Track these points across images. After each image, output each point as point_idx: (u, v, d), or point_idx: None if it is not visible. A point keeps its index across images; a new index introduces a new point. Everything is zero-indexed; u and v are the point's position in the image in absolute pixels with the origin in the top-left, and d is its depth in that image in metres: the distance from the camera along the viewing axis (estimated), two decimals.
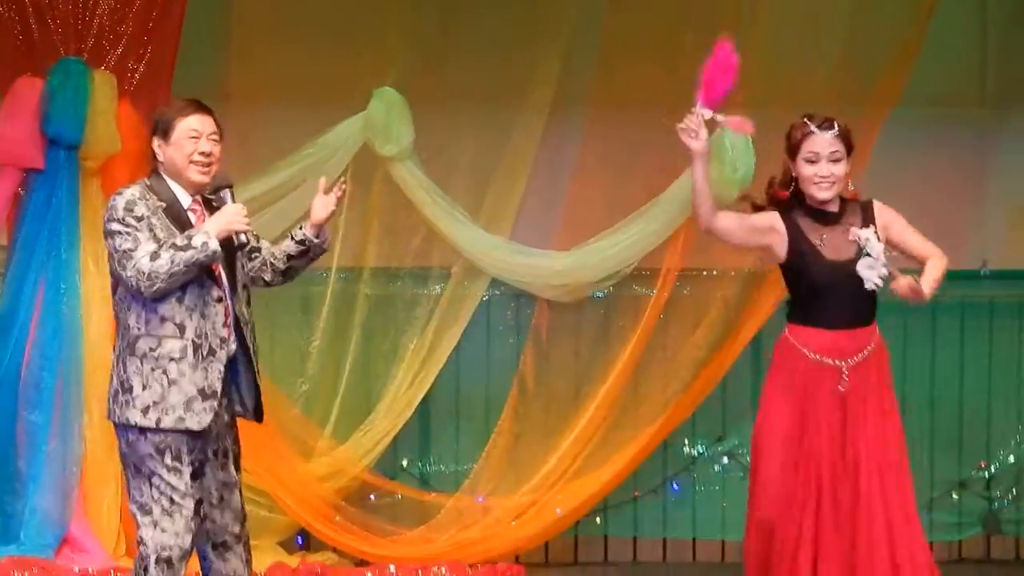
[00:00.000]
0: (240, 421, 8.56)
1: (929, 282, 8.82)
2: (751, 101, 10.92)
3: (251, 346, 8.44)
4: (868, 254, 8.64)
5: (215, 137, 8.37)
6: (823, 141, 8.81)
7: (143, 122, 10.87)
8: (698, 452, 11.98)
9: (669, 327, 11.80)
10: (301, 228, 8.54)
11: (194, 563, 8.62)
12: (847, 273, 8.64)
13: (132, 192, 8.28)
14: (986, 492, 12.04)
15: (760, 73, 11.25)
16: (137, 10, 11.22)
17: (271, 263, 8.61)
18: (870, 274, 8.63)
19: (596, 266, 11.72)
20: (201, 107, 8.42)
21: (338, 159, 11.47)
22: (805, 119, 8.92)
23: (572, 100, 11.63)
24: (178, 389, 8.20)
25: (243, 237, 8.23)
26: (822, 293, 8.66)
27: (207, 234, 8.09)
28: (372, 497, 11.66)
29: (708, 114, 8.67)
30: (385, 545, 11.47)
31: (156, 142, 8.40)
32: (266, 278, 8.64)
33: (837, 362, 8.65)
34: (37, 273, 11.25)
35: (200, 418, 8.18)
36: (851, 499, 8.64)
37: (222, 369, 8.27)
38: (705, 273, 11.82)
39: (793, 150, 8.88)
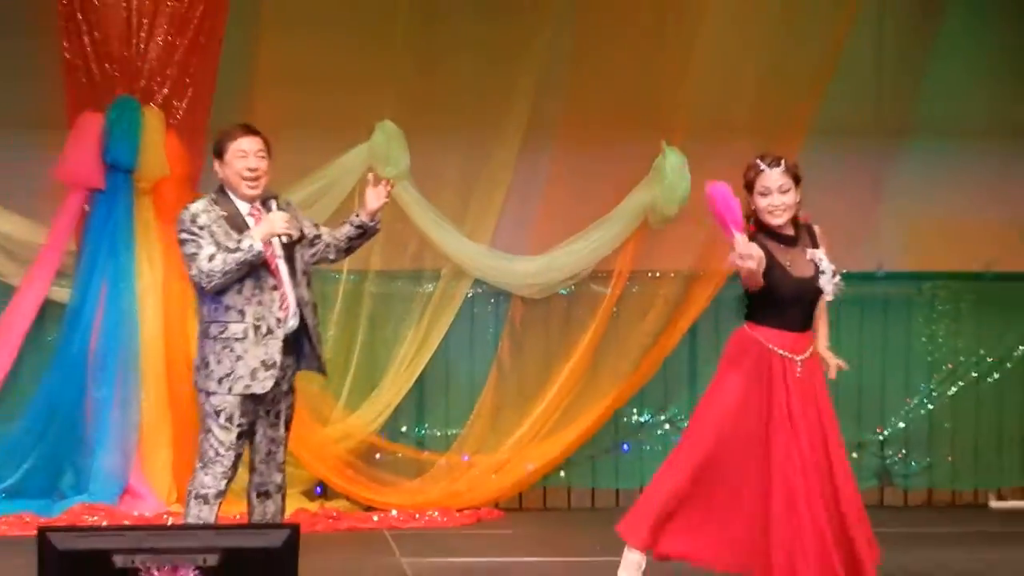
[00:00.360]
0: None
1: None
2: (689, 132, 11.26)
3: (308, 320, 8.53)
4: (823, 272, 8.65)
5: (262, 154, 8.43)
6: (772, 176, 8.73)
7: (186, 150, 11.22)
8: (644, 419, 12.01)
9: (621, 318, 11.87)
10: (358, 215, 8.64)
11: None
12: (809, 288, 8.62)
13: (196, 206, 8.42)
14: (880, 452, 12.11)
15: (695, 107, 11.56)
16: (180, 57, 11.27)
17: (334, 244, 8.70)
18: (830, 287, 8.66)
19: (561, 269, 11.80)
20: (249, 130, 8.52)
21: (348, 180, 11.51)
22: (757, 159, 8.82)
23: (540, 131, 11.64)
24: (244, 363, 8.35)
25: (284, 238, 8.33)
26: (788, 303, 8.62)
27: (252, 238, 8.23)
28: (378, 456, 11.72)
29: (743, 237, 8.69)
30: (388, 494, 11.54)
31: (215, 163, 8.50)
32: (330, 257, 8.76)
33: (794, 356, 8.64)
34: (100, 274, 11.29)
35: (264, 384, 8.35)
36: (800, 458, 8.57)
37: (280, 344, 8.38)
38: (650, 274, 11.87)
39: (749, 186, 8.78)
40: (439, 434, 11.91)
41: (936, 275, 12.19)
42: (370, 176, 8.79)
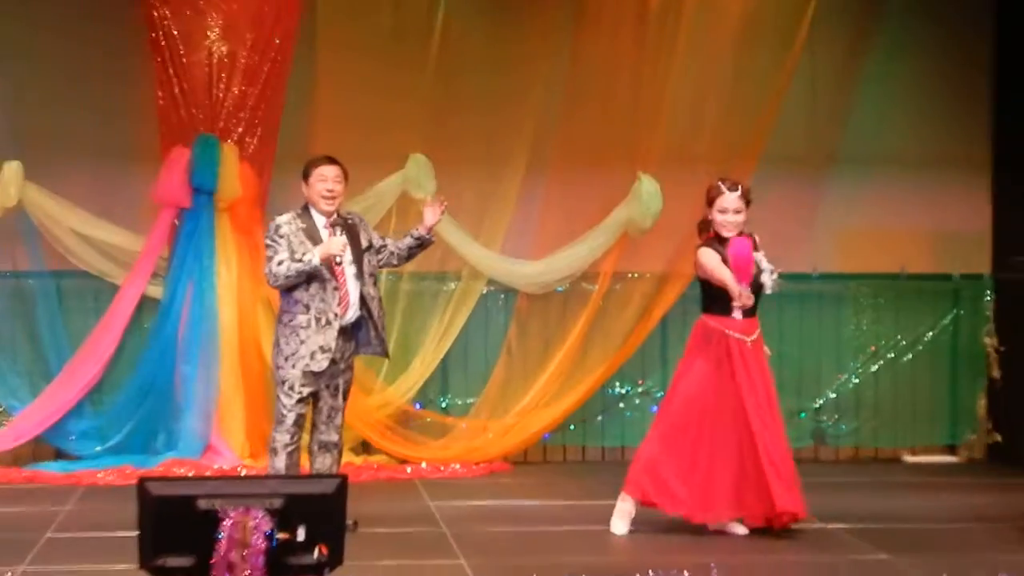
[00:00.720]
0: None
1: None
2: (660, 163, 11.36)
3: (374, 312, 8.89)
4: (763, 270, 9.00)
5: (338, 179, 8.84)
6: (730, 199, 9.06)
7: (255, 176, 11.35)
8: (625, 391, 12.05)
9: (606, 311, 11.92)
10: (418, 230, 9.01)
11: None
12: (752, 284, 8.96)
13: (282, 218, 8.86)
14: (816, 417, 12.15)
15: (665, 142, 11.67)
16: (251, 103, 11.35)
17: (397, 253, 9.11)
18: (770, 282, 9.03)
19: (558, 270, 11.86)
20: (331, 160, 8.93)
21: (387, 200, 11.62)
22: (720, 182, 9.13)
23: (538, 162, 11.70)
24: (305, 346, 8.72)
25: (338, 258, 8.69)
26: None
27: (314, 255, 8.64)
28: (410, 420, 11.77)
29: (747, 290, 8.94)
30: (419, 450, 11.61)
31: (303, 184, 8.88)
32: (394, 262, 9.18)
33: (745, 337, 8.95)
34: (187, 275, 11.38)
35: (320, 364, 8.72)
36: (744, 419, 8.91)
37: (336, 333, 8.72)
38: (630, 275, 11.92)
39: (710, 202, 9.10)
40: (459, 403, 11.95)
41: (861, 275, 12.20)
42: (428, 198, 9.08)
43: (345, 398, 9.03)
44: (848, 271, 12.21)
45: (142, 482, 7.39)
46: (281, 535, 7.19)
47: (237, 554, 7.23)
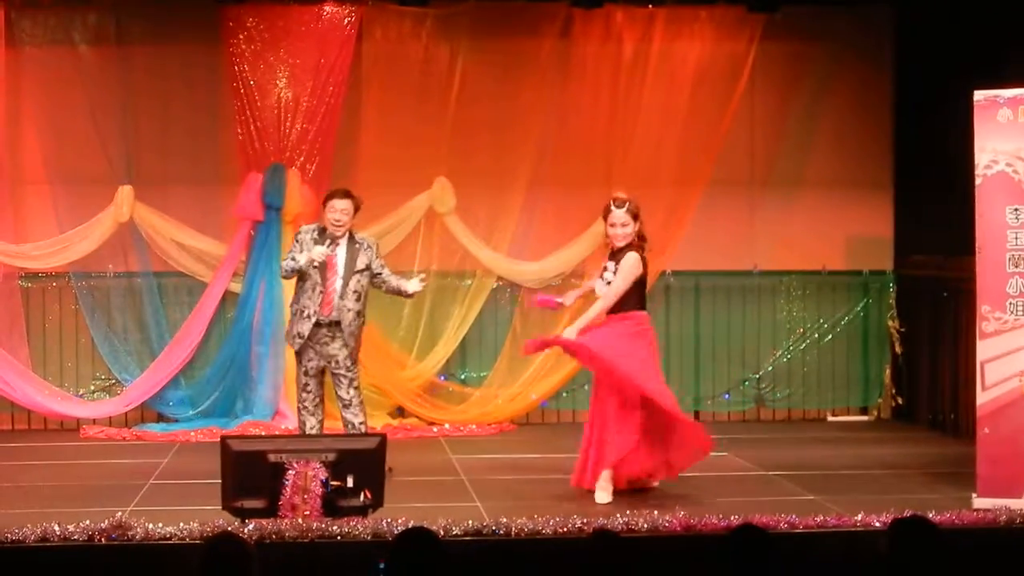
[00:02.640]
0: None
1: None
2: (633, 182, 10.94)
3: (344, 320, 8.87)
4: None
5: (346, 211, 8.87)
6: (617, 215, 8.66)
7: (314, 196, 11.14)
8: None
9: (590, 301, 11.24)
10: (405, 290, 9.05)
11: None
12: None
13: (304, 228, 9.10)
14: (757, 386, 12.02)
15: (636, 166, 11.51)
16: (311, 138, 11.24)
17: (386, 285, 9.06)
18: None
19: (551, 269, 11.73)
20: (344, 194, 8.96)
21: (416, 215, 11.54)
22: (611, 201, 8.70)
23: (538, 182, 11.60)
24: (293, 329, 8.99)
25: (316, 263, 8.77)
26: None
27: (301, 258, 8.80)
28: (436, 389, 11.66)
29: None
30: (443, 414, 11.48)
31: (322, 208, 8.95)
32: (382, 289, 9.11)
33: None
34: (261, 274, 11.30)
35: (296, 344, 8.98)
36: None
37: (311, 324, 8.83)
38: None
39: (605, 218, 8.73)
40: (475, 376, 11.81)
41: (791, 272, 12.07)
42: (423, 276, 9.17)
43: (348, 370, 8.95)
44: (781, 268, 12.07)
45: (224, 440, 7.41)
46: (334, 482, 7.23)
47: (299, 497, 7.22)
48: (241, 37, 11.24)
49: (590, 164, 11.55)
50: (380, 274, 9.03)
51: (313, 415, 9.07)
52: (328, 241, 8.88)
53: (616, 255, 8.76)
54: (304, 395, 9.05)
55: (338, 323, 8.89)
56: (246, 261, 11.37)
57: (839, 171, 12.08)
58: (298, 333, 8.90)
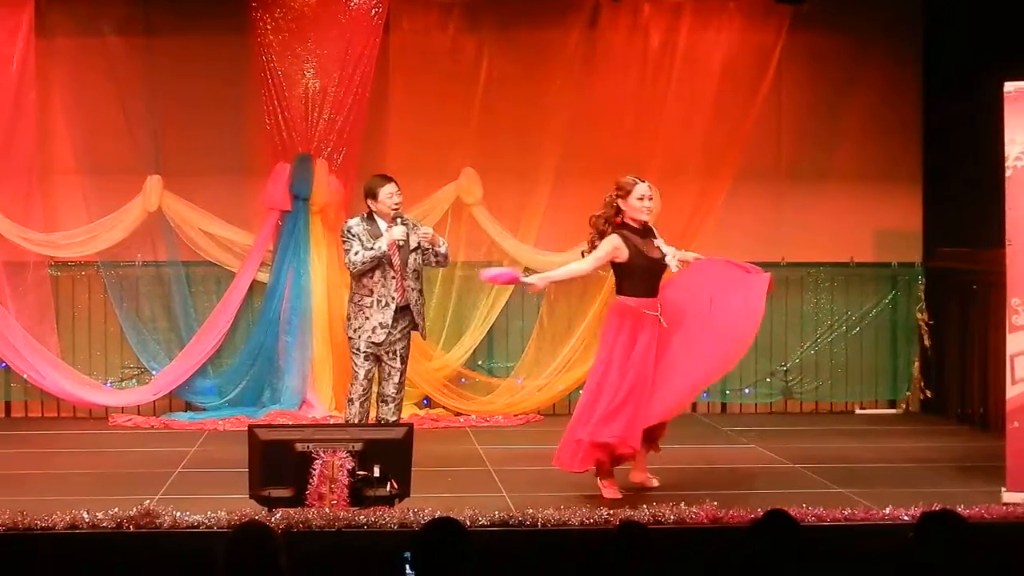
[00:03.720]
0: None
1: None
2: (658, 173, 11.01)
3: (413, 301, 8.88)
4: (665, 254, 8.41)
5: (400, 192, 8.92)
6: (643, 188, 8.50)
7: (342, 187, 11.24)
8: None
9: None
10: (435, 245, 9.02)
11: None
12: (659, 265, 8.43)
13: (352, 221, 8.97)
14: (784, 378, 11.95)
15: (662, 156, 11.49)
16: (338, 128, 11.25)
17: (428, 256, 9.04)
18: (673, 263, 8.39)
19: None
20: (390, 179, 8.97)
21: (442, 206, 11.54)
22: (630, 177, 8.57)
23: (563, 173, 11.56)
24: (369, 322, 8.74)
25: (400, 242, 8.73)
26: (644, 277, 8.40)
27: (381, 243, 8.66)
28: (463, 380, 11.66)
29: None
30: (469, 404, 11.49)
31: (369, 201, 8.90)
32: (431, 264, 9.08)
33: (655, 313, 8.34)
34: (288, 264, 11.32)
35: (379, 336, 8.78)
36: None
37: (392, 312, 8.74)
38: None
39: (626, 194, 8.49)
40: (502, 366, 11.80)
41: (819, 264, 12.02)
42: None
43: (403, 362, 8.99)
44: (809, 260, 12.02)
45: (251, 429, 7.43)
46: (361, 472, 7.23)
47: (326, 487, 7.22)
48: (269, 27, 11.26)
49: (617, 155, 11.43)
50: (428, 250, 9.05)
51: (362, 407, 9.00)
52: (389, 226, 8.88)
53: (652, 231, 8.56)
54: (366, 384, 8.96)
55: (405, 308, 8.91)
56: (274, 251, 11.37)
57: (867, 162, 12.01)
58: (380, 323, 8.81)
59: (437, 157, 11.47)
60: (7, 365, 11.32)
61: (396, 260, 8.85)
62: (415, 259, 8.99)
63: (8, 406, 11.52)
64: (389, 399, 9.02)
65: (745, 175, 11.70)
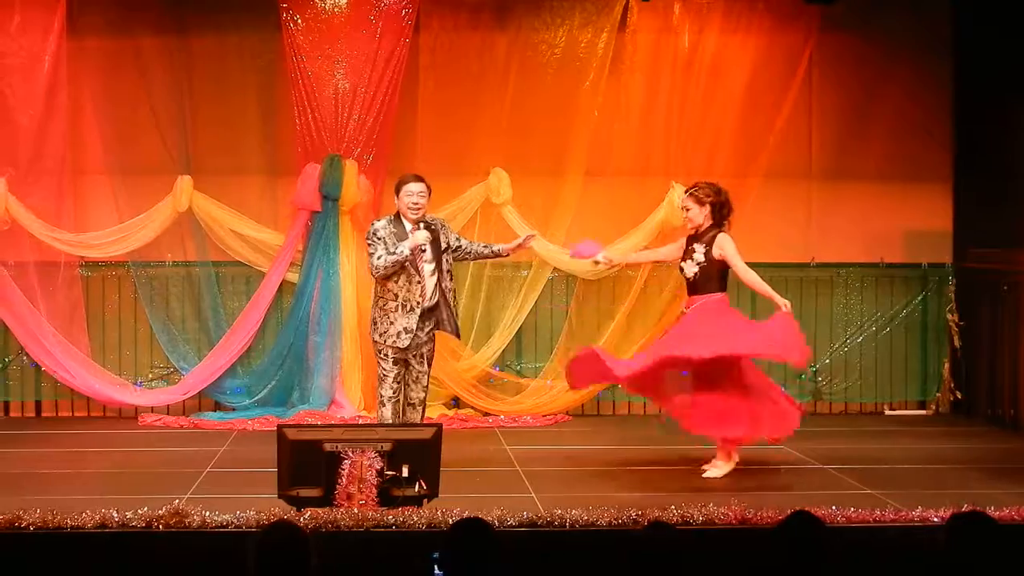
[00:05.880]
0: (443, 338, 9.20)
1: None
2: (688, 174, 11.03)
3: (449, 302, 8.87)
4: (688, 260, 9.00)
5: (423, 194, 8.80)
6: (682, 200, 9.09)
7: (371, 187, 11.25)
8: None
9: (646, 293, 11.71)
10: (501, 249, 9.17)
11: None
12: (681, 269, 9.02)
13: (378, 223, 8.89)
14: (814, 379, 11.91)
15: (693, 158, 11.48)
16: (368, 128, 11.24)
17: (473, 253, 9.13)
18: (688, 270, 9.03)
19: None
20: (418, 178, 8.93)
21: (472, 205, 11.53)
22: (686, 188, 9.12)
23: (593, 174, 11.54)
24: (394, 326, 8.70)
25: (423, 247, 8.68)
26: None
27: (404, 247, 8.60)
28: (491, 380, 11.65)
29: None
30: (498, 405, 11.49)
31: (395, 197, 8.90)
32: (468, 259, 9.19)
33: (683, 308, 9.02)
34: (318, 264, 11.33)
35: (404, 341, 8.72)
36: None
37: (417, 317, 8.70)
38: (664, 265, 11.21)
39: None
40: (531, 366, 11.78)
41: (849, 264, 12.00)
42: (526, 239, 9.24)
43: (429, 364, 9.00)
44: (839, 261, 12.00)
45: (280, 429, 7.42)
46: (389, 472, 7.24)
47: (355, 487, 7.22)
48: (299, 28, 11.28)
49: (646, 155, 11.51)
50: (461, 246, 9.07)
51: (394, 413, 8.98)
52: (412, 228, 8.86)
53: (700, 237, 8.93)
54: (396, 385, 8.93)
55: (432, 310, 8.88)
56: (303, 251, 11.39)
57: (897, 163, 11.99)
58: (404, 328, 8.77)
59: (466, 157, 11.50)
60: (38, 365, 11.39)
61: (421, 264, 8.84)
62: (447, 260, 8.97)
63: (39, 405, 11.59)
64: (417, 402, 9.04)
65: (775, 176, 11.70)
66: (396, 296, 8.82)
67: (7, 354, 11.49)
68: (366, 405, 11.11)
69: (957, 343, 11.91)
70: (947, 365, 11.98)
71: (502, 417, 11.34)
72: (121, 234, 11.41)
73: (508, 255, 9.37)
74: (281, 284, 11.47)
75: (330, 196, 11.25)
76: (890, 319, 12.02)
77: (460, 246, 9.07)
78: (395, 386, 8.91)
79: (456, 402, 11.60)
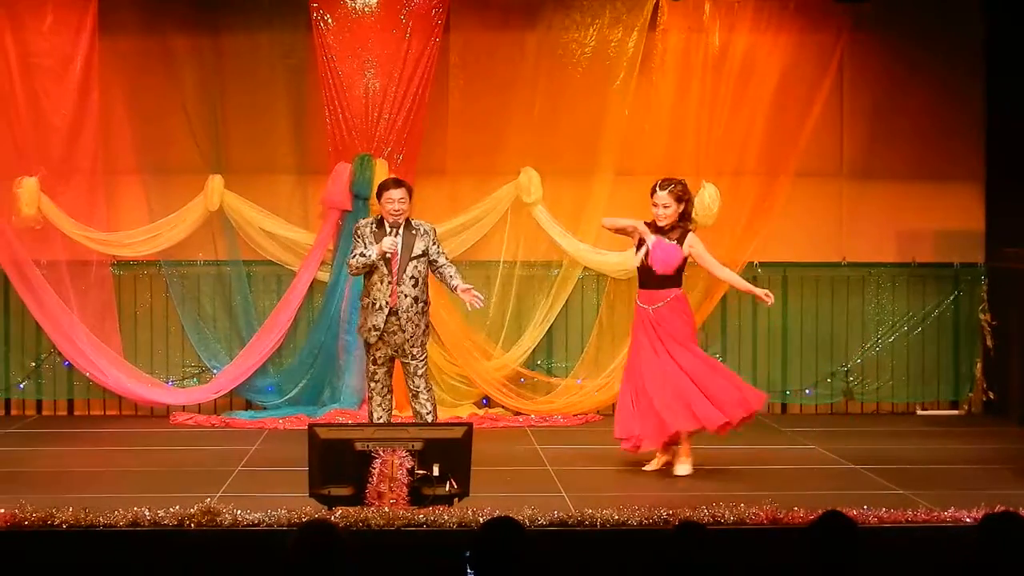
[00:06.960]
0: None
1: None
2: (718, 174, 11.13)
3: (403, 308, 8.86)
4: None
5: (403, 200, 8.87)
6: (659, 195, 9.15)
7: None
8: None
9: None
10: (457, 288, 8.95)
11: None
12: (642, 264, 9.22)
13: (362, 221, 9.20)
14: (845, 379, 11.88)
15: (723, 157, 11.48)
16: (398, 127, 11.24)
17: (440, 275, 9.04)
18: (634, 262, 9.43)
19: (637, 260, 11.53)
20: (396, 184, 9.01)
21: (504, 204, 11.54)
22: (656, 183, 9.23)
23: (623, 173, 11.49)
24: (365, 325, 8.96)
25: (388, 254, 8.80)
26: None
27: (372, 251, 8.80)
28: (522, 380, 11.62)
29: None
30: (529, 404, 11.47)
31: (377, 201, 9.04)
32: (438, 278, 9.07)
33: (647, 306, 9.22)
34: None
35: (371, 337, 8.93)
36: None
37: (385, 315, 8.83)
38: (696, 263, 11.52)
39: (651, 195, 9.24)
40: (561, 366, 11.76)
41: (880, 264, 11.95)
42: (477, 294, 9.00)
43: (413, 357, 8.97)
44: (870, 260, 11.96)
45: (312, 428, 7.47)
46: (420, 471, 7.25)
47: (386, 485, 7.25)
48: (330, 28, 11.29)
49: (676, 155, 11.46)
50: (437, 262, 9.03)
51: (380, 406, 9.09)
52: (391, 231, 8.90)
53: (667, 233, 9.22)
54: (372, 384, 9.08)
55: (397, 311, 8.90)
56: (334, 250, 11.40)
57: (929, 162, 11.95)
58: (373, 326, 8.88)
59: (497, 156, 11.50)
60: (70, 364, 11.45)
61: (394, 266, 8.86)
62: (415, 266, 8.93)
63: (71, 404, 11.65)
64: (418, 392, 9.06)
65: (806, 175, 11.68)
66: (368, 294, 8.95)
67: (40, 353, 11.55)
68: (397, 404, 10.99)
69: (989, 343, 11.84)
70: (979, 365, 11.93)
71: (533, 416, 11.32)
72: (153, 233, 11.46)
73: (455, 292, 9.18)
74: (312, 283, 11.48)
75: (360, 195, 11.26)
76: (922, 319, 11.97)
77: (437, 261, 9.04)
78: (371, 385, 9.05)
79: (487, 401, 11.61)
